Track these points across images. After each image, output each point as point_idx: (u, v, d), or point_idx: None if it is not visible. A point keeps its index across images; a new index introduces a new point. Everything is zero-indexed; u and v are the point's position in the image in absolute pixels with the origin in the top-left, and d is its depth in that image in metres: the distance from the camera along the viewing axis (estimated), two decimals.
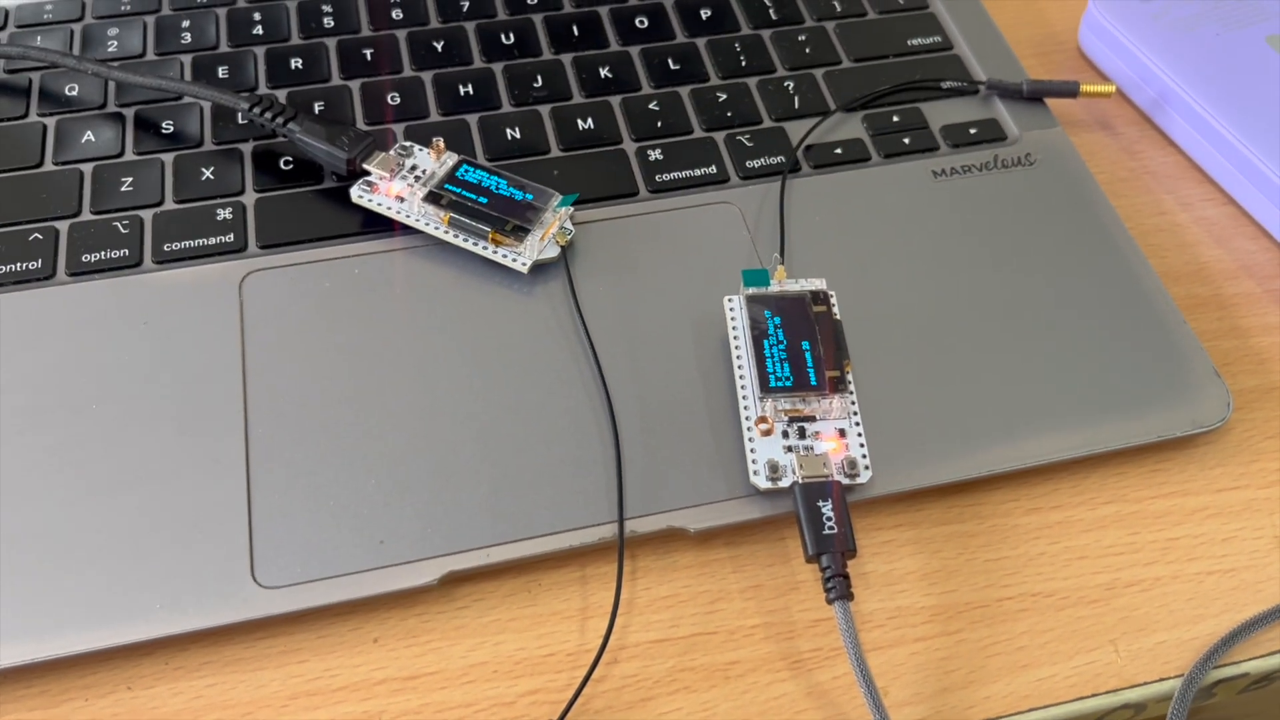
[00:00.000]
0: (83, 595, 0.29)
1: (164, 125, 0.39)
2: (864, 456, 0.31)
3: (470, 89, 0.41)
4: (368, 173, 0.36)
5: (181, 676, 0.29)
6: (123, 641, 0.28)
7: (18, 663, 0.28)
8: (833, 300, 0.33)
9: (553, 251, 0.35)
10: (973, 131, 0.40)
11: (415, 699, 0.29)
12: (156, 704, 0.28)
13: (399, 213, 0.36)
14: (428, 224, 0.35)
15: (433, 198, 0.35)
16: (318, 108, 0.40)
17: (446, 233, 0.35)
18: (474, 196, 0.35)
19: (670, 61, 0.42)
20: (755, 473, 0.31)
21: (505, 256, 0.35)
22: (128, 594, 0.29)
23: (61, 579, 0.29)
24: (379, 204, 0.36)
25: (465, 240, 0.35)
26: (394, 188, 0.36)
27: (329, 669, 0.29)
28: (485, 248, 0.35)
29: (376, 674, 0.29)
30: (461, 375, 0.33)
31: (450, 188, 0.36)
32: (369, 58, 0.41)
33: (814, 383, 0.31)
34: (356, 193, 0.36)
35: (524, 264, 0.35)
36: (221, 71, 0.41)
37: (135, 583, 0.29)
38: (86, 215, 0.36)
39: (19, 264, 0.35)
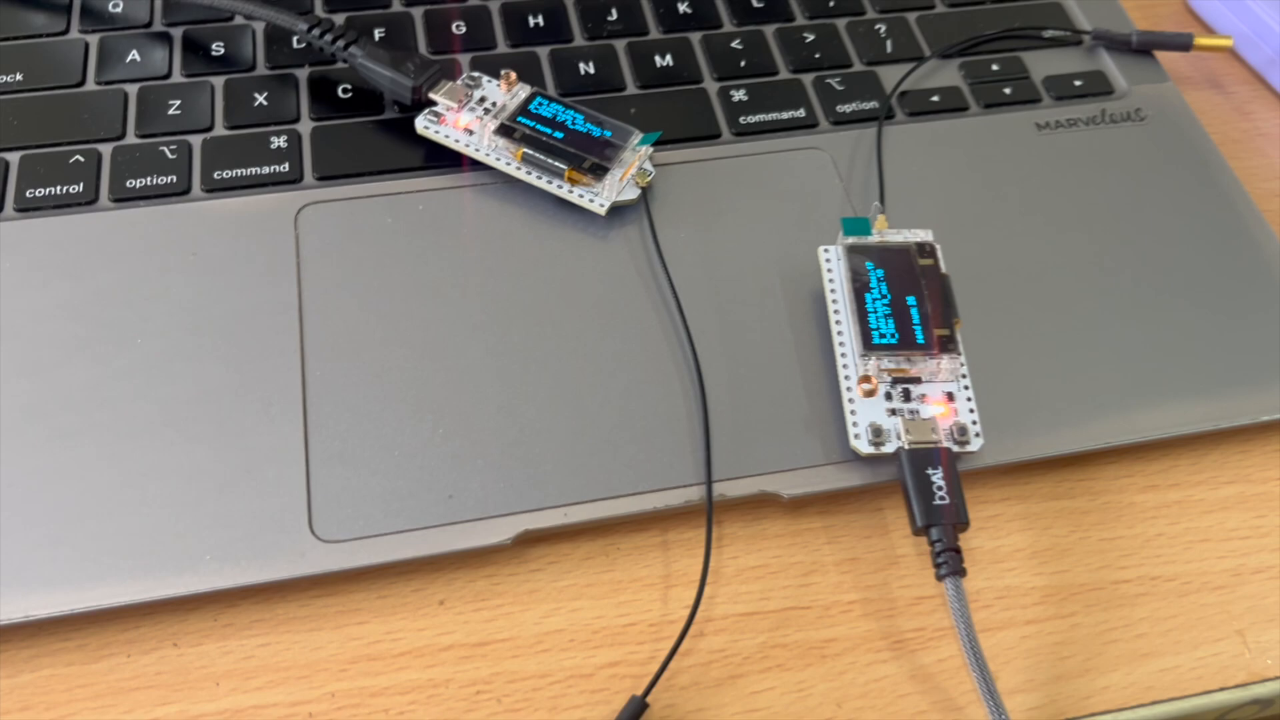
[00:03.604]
0: (126, 543, 0.26)
1: (214, 47, 0.36)
2: (975, 423, 0.28)
3: (540, 20, 0.38)
4: (434, 103, 0.34)
5: (231, 634, 0.26)
6: (169, 594, 0.26)
7: (56, 613, 0.25)
8: (939, 253, 0.31)
9: (632, 193, 0.33)
10: (1078, 83, 0.37)
11: (485, 667, 0.26)
12: (204, 663, 0.26)
13: (467, 146, 0.33)
14: (498, 159, 0.33)
15: (505, 131, 0.33)
16: (378, 34, 0.37)
17: (518, 169, 0.33)
18: (549, 131, 0.33)
19: None
20: (856, 436, 0.28)
21: (582, 196, 0.32)
22: (175, 543, 0.26)
23: (103, 525, 0.26)
24: (446, 136, 0.33)
25: (539, 178, 0.33)
26: (462, 119, 0.33)
27: (391, 632, 0.27)
28: (560, 186, 0.32)
29: (443, 639, 0.27)
30: (535, 321, 0.30)
31: (523, 120, 0.33)
32: None
33: (921, 341, 0.29)
34: (422, 124, 0.33)
35: (602, 205, 0.32)
36: None
37: (183, 531, 0.26)
38: (131, 139, 0.34)
39: (59, 187, 0.32)
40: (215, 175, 0.33)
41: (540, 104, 0.33)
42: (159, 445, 0.28)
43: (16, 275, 0.30)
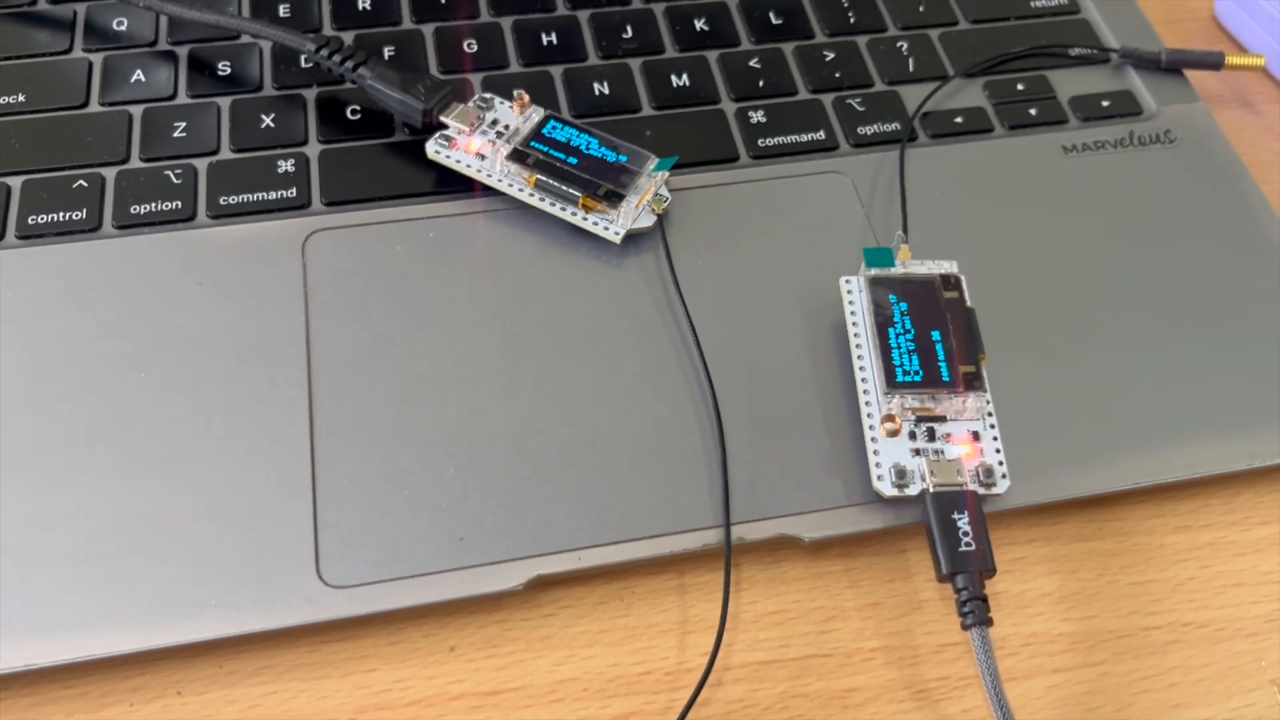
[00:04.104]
0: (128, 589, 0.26)
1: (220, 66, 0.35)
2: (1000, 464, 0.28)
3: (554, 38, 0.37)
4: (445, 126, 0.33)
5: (236, 682, 0.26)
6: (173, 642, 0.25)
7: (57, 661, 0.25)
8: (964, 285, 0.30)
9: (648, 220, 0.32)
10: (1105, 104, 0.36)
11: (497, 716, 0.26)
12: (209, 712, 0.25)
13: (479, 171, 0.32)
14: (511, 185, 0.32)
15: (517, 156, 0.32)
16: (387, 53, 0.36)
17: (531, 195, 0.32)
18: (562, 156, 0.32)
19: (772, 15, 0.38)
20: (879, 478, 0.27)
21: (596, 224, 0.31)
22: (179, 589, 0.26)
23: (104, 570, 0.26)
24: (458, 161, 0.32)
25: (552, 205, 0.32)
26: (474, 144, 0.32)
27: (400, 680, 0.26)
28: (575, 213, 0.32)
29: (453, 687, 0.26)
30: (548, 355, 0.30)
31: (536, 145, 0.32)
32: (444, 0, 0.38)
33: (946, 378, 0.28)
34: (433, 148, 0.33)
35: (617, 233, 0.31)
36: (283, 10, 0.37)
37: (187, 577, 0.26)
38: (135, 162, 0.33)
39: (62, 213, 0.32)
40: (221, 201, 0.32)
41: (554, 128, 0.33)
42: (162, 485, 0.27)
43: (18, 306, 0.30)
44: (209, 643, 0.25)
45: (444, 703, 0.26)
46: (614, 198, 0.31)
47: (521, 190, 0.32)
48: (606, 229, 0.31)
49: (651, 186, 0.32)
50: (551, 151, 0.32)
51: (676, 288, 0.31)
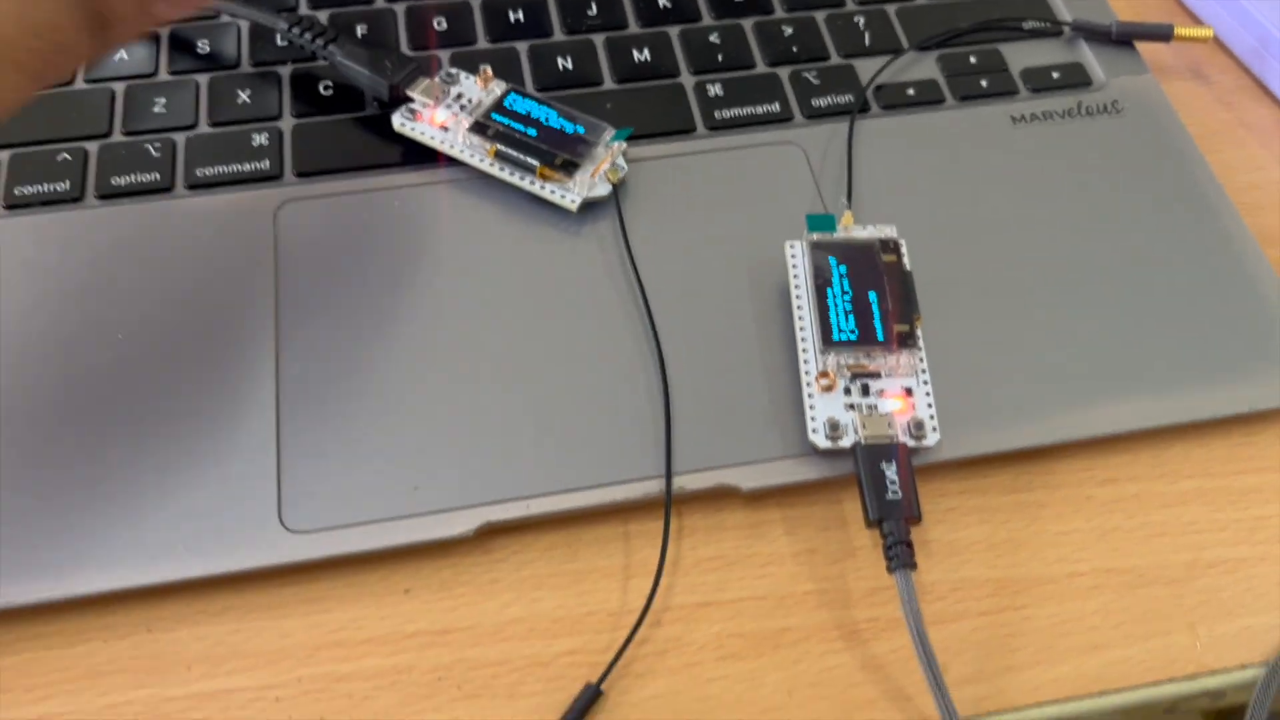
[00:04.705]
0: (101, 533, 0.27)
1: (199, 44, 0.37)
2: (932, 418, 0.29)
3: (520, 15, 0.38)
4: (411, 100, 0.34)
5: (203, 621, 0.27)
6: (143, 582, 0.27)
7: (34, 600, 0.26)
8: (903, 249, 0.31)
9: (604, 189, 0.33)
10: (1055, 75, 0.37)
11: (446, 654, 0.27)
12: (177, 648, 0.27)
13: (443, 143, 0.34)
14: (473, 155, 0.33)
15: (479, 128, 0.33)
16: (360, 30, 0.38)
17: (492, 165, 0.33)
18: (522, 128, 0.33)
19: None
20: (814, 431, 0.29)
21: (554, 193, 0.33)
22: (149, 533, 0.27)
23: (79, 515, 0.27)
24: (422, 133, 0.34)
25: (512, 174, 0.33)
26: (438, 116, 0.34)
27: (355, 619, 0.28)
28: (532, 183, 0.33)
29: (406, 626, 0.28)
30: (504, 317, 0.31)
31: (497, 117, 0.33)
32: None
33: (880, 337, 0.29)
34: (399, 121, 0.34)
35: (573, 201, 0.33)
36: None
37: (157, 522, 0.27)
38: (117, 136, 0.35)
39: (46, 184, 0.33)
40: (198, 172, 0.34)
41: (514, 101, 0.34)
42: (135, 439, 0.29)
43: (3, 272, 0.31)
44: (178, 583, 0.27)
45: (397, 640, 0.27)
46: (570, 167, 0.33)
47: (482, 161, 0.33)
48: (563, 197, 0.33)
49: (608, 157, 0.33)
50: (511, 123, 0.33)
51: (629, 253, 0.32)
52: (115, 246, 0.32)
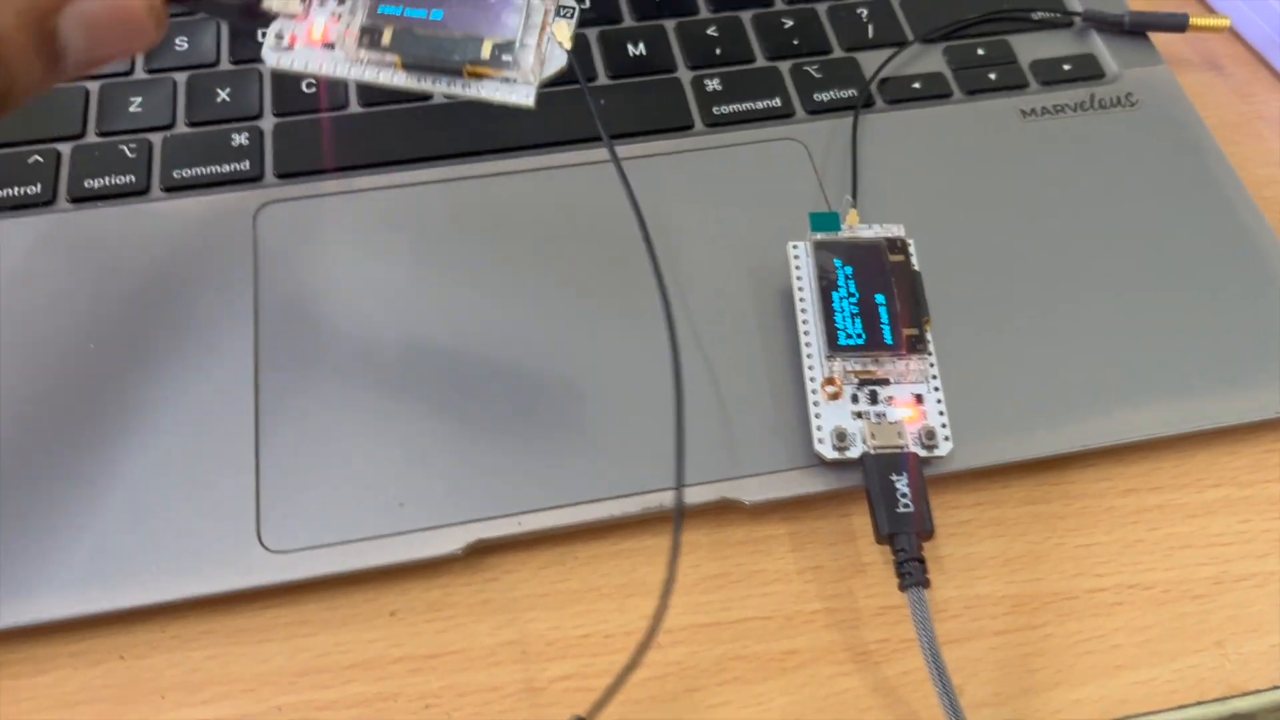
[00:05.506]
0: (71, 555, 0.26)
1: (177, 41, 0.36)
2: (944, 426, 0.27)
3: None
4: (271, 15, 0.25)
5: (178, 646, 0.26)
6: (115, 607, 0.25)
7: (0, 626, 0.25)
8: (911, 249, 0.30)
9: (559, 59, 0.25)
10: (1066, 68, 0.36)
11: (435, 680, 0.26)
12: (151, 675, 0.26)
13: (334, 69, 0.25)
14: (378, 73, 0.25)
15: (368, 33, 0.25)
16: None
17: (406, 79, 0.25)
18: (423, 14, 0.25)
19: None
20: (820, 441, 0.27)
21: (497, 91, 0.24)
22: (122, 554, 0.26)
23: (45, 536, 0.26)
24: (305, 62, 0.25)
25: (435, 82, 0.25)
26: (315, 29, 0.25)
27: (340, 644, 0.26)
28: (465, 85, 0.25)
29: (392, 651, 0.26)
30: (492, 326, 0.30)
31: (387, 10, 0.25)
32: None
33: (889, 341, 0.28)
34: (269, 54, 0.25)
35: (526, 95, 0.24)
36: None
37: (130, 543, 0.26)
38: (91, 137, 0.33)
39: (16, 188, 0.32)
40: (175, 174, 0.32)
41: None
42: (107, 455, 0.27)
43: None
44: (151, 607, 0.26)
45: (383, 665, 0.26)
46: (503, 51, 0.24)
47: (393, 76, 0.25)
48: (511, 92, 0.24)
49: (548, 11, 0.25)
50: (407, 11, 0.25)
51: (649, 247, 0.29)
52: (88, 252, 0.31)
